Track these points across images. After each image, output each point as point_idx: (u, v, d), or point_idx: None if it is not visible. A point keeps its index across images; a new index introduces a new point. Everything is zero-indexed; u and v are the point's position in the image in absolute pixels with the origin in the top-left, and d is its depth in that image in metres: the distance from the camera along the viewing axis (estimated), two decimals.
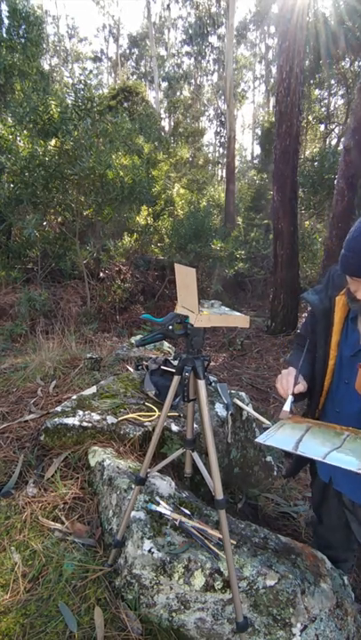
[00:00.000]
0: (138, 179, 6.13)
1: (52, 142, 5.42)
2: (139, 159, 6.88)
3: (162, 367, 2.22)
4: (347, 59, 10.33)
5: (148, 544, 1.15)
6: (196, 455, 1.18)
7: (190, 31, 21.40)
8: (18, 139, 5.33)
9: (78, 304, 6.17)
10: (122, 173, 5.88)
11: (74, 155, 5.33)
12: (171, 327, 1.03)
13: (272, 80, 20.44)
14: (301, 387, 1.13)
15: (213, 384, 2.24)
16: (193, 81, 22.93)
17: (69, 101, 5.86)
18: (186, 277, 1.01)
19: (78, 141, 5.35)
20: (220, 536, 1.20)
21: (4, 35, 7.36)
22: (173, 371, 2.16)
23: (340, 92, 12.01)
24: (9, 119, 5.78)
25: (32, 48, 7.51)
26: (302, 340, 1.27)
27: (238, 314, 1.12)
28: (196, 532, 1.23)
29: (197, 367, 1.07)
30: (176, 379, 1.09)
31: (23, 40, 7.46)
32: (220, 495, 1.05)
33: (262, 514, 1.99)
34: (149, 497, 1.33)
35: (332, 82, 11.53)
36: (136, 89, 13.94)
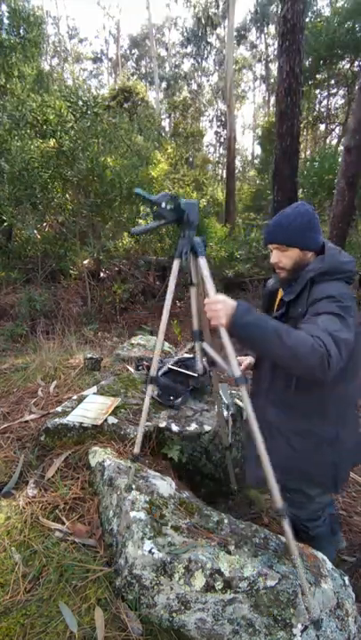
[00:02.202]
0: (137, 179, 6.12)
1: (51, 143, 5.43)
2: (138, 159, 6.88)
3: (169, 366, 2.24)
4: (347, 58, 10.34)
5: (148, 544, 1.15)
6: (206, 345, 1.11)
7: (190, 32, 21.42)
8: (16, 139, 5.33)
9: (79, 304, 6.17)
10: (121, 174, 5.88)
11: (72, 156, 5.34)
12: (164, 205, 0.98)
13: (272, 80, 20.45)
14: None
15: None
16: (193, 81, 22.94)
17: (68, 102, 5.87)
18: None
19: (76, 142, 5.35)
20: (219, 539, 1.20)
21: (4, 35, 7.37)
22: (178, 369, 2.17)
23: (341, 93, 12.02)
24: (6, 120, 5.77)
25: (32, 49, 7.52)
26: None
27: None
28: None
29: (196, 245, 1.01)
30: (176, 263, 1.03)
31: (23, 40, 7.47)
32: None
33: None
34: (150, 497, 1.33)
35: (333, 82, 11.54)
36: (136, 89, 13.95)
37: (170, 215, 1.00)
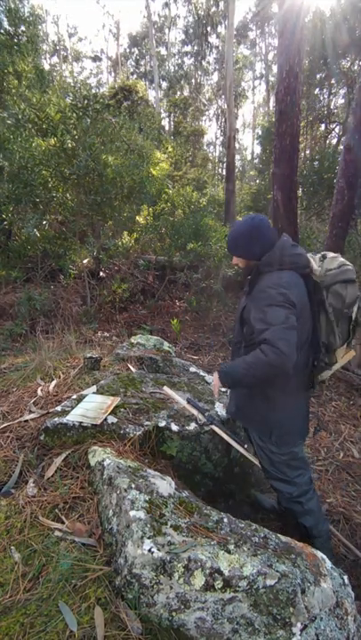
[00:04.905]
0: (138, 178, 6.12)
1: (52, 141, 5.41)
2: (139, 158, 6.88)
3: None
4: (348, 57, 10.32)
5: (148, 543, 1.15)
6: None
7: (190, 31, 21.38)
8: (19, 139, 5.32)
9: (78, 303, 6.16)
10: (122, 173, 5.87)
11: (73, 154, 5.32)
12: None
13: (272, 79, 20.43)
14: None
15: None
16: (193, 80, 22.90)
17: (68, 100, 5.84)
18: None
19: (78, 140, 5.34)
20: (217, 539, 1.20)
21: (1, 34, 7.34)
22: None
23: (341, 92, 12.01)
24: (7, 119, 5.75)
25: (29, 47, 7.50)
26: None
27: None
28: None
29: None
30: None
31: (21, 39, 7.45)
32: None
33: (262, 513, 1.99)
34: (149, 496, 1.33)
35: (333, 81, 11.53)
36: (136, 88, 13.92)
37: None
